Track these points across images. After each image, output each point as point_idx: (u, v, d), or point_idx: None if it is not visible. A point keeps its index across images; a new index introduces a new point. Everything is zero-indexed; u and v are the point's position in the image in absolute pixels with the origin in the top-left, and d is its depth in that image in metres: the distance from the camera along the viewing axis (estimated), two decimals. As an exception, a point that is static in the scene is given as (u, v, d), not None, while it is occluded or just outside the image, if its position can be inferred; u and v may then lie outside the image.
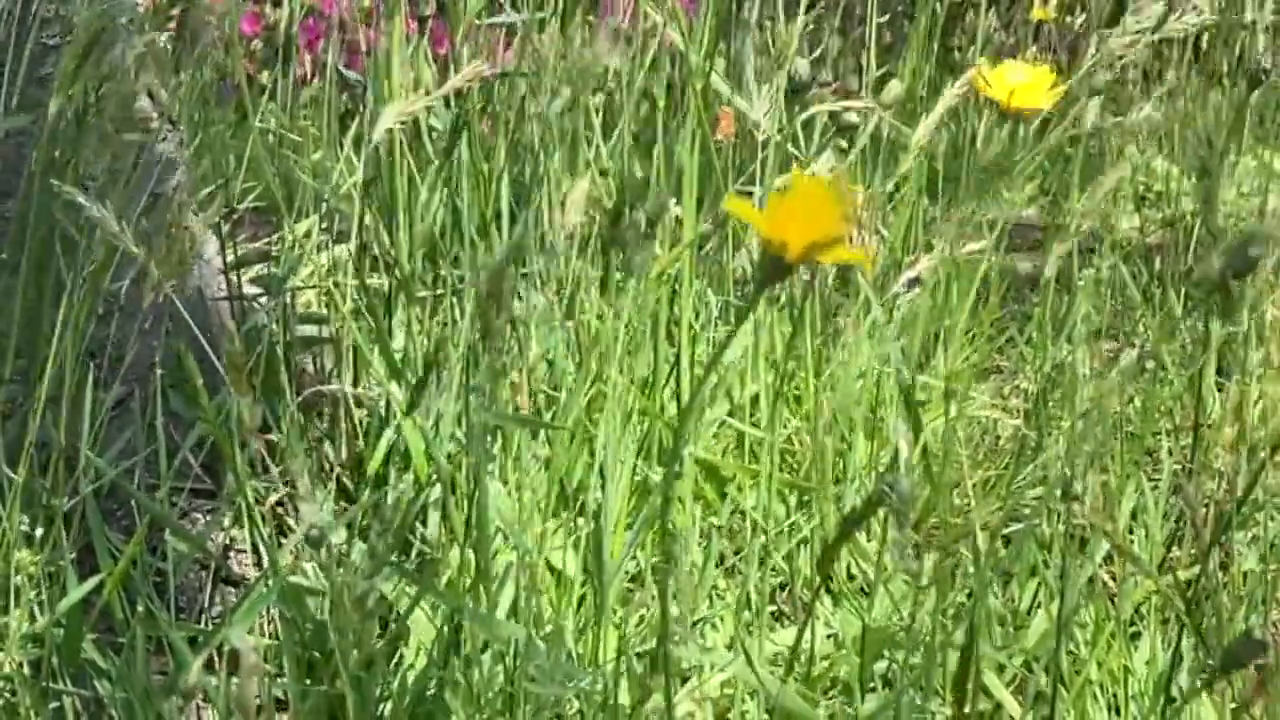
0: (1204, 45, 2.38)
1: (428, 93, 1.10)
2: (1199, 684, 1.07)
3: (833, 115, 1.51)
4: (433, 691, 1.12)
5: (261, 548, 1.30)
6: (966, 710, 1.06)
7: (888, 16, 1.84)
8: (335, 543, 1.01)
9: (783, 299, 1.56)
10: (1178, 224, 2.09)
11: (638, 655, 1.18)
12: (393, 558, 1.21)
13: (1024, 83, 1.14)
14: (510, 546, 1.11)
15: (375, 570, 0.76)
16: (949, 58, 2.36)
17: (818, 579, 1.36)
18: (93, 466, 1.11)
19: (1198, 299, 0.86)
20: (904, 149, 1.50)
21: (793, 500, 1.47)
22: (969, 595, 1.30)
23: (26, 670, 1.02)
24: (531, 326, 1.31)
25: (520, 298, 1.54)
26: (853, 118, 1.48)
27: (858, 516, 0.83)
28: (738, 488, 1.47)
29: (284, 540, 1.36)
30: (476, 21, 1.39)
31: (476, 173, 1.43)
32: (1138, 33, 1.23)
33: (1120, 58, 1.27)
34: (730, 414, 1.52)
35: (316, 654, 1.19)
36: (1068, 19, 2.47)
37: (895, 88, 1.45)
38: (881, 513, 0.84)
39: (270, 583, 1.15)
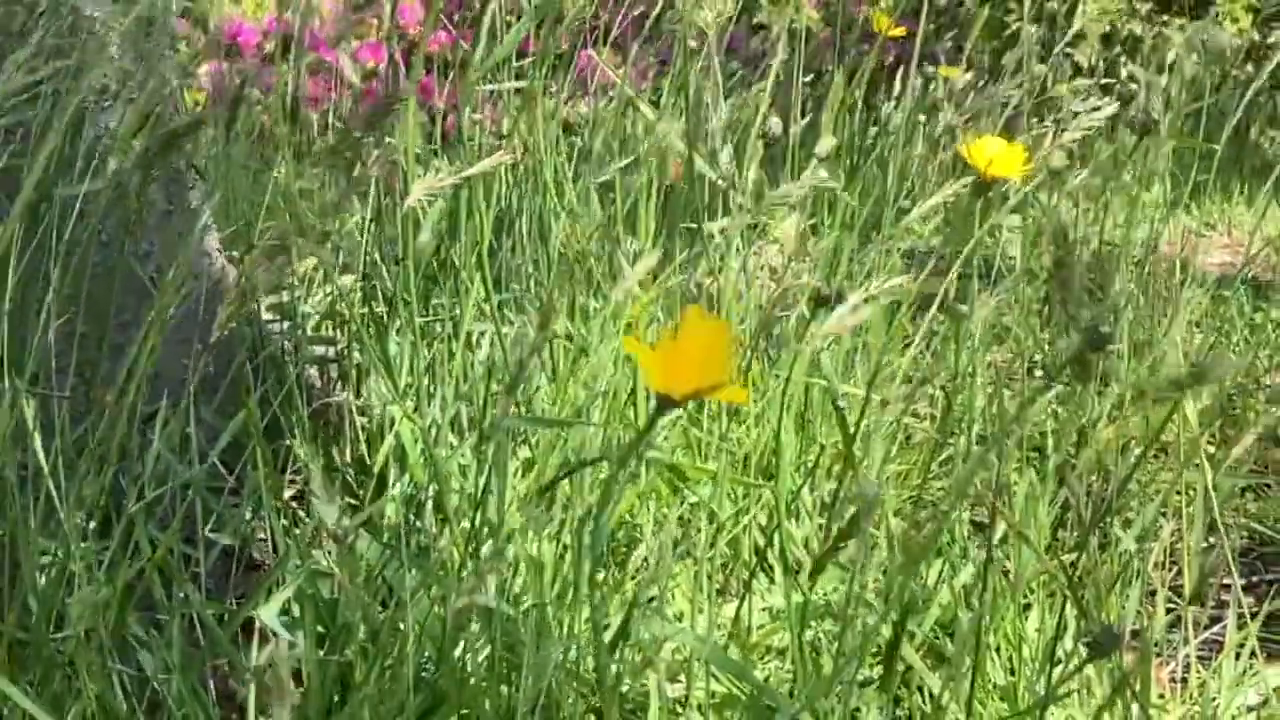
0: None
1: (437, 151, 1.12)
2: (1082, 654, 1.10)
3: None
4: (429, 658, 1.14)
5: (279, 537, 1.32)
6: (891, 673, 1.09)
7: (812, 76, 1.87)
8: (345, 534, 1.03)
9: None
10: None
11: (605, 629, 1.20)
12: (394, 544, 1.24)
13: (1000, 155, 1.16)
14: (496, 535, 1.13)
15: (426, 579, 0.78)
16: (871, 114, 2.39)
17: (755, 562, 1.38)
18: (137, 470, 1.12)
19: (1056, 374, 0.89)
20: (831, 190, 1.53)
21: (737, 492, 1.49)
22: (884, 573, 1.33)
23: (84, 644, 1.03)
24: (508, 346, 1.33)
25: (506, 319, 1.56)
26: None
27: (842, 535, 0.85)
28: (693, 482, 1.50)
29: (298, 530, 1.38)
30: (478, 88, 1.41)
31: (467, 213, 1.45)
32: (1087, 128, 1.26)
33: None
34: (681, 416, 1.55)
35: (327, 628, 1.21)
36: (966, 75, 2.50)
37: (828, 143, 1.47)
38: (816, 508, 0.87)
39: (291, 568, 1.17)
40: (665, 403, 0.74)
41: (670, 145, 1.45)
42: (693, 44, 1.46)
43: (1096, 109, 1.21)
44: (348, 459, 1.51)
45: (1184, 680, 1.28)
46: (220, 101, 1.16)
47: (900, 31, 1.91)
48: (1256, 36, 3.99)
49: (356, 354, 1.52)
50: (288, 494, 1.48)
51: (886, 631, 1.09)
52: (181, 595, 1.13)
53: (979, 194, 1.11)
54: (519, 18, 1.43)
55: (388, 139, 1.48)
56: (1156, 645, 1.32)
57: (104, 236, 1.26)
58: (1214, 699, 1.21)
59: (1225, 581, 1.47)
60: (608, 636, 1.15)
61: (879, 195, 2.08)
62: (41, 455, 1.00)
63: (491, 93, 1.82)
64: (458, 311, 1.49)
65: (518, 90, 1.52)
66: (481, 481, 1.17)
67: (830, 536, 0.93)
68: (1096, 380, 0.80)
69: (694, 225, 1.69)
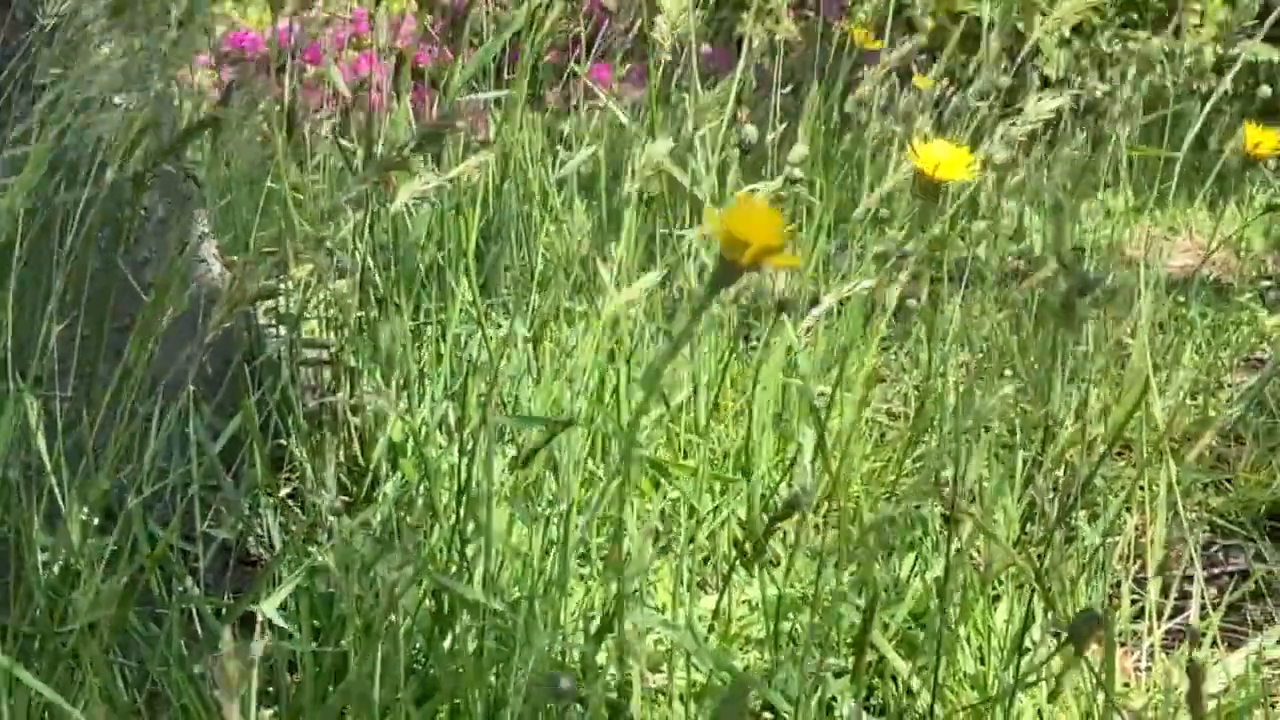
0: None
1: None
2: (1048, 643, 1.10)
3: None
4: (420, 649, 1.15)
5: (275, 531, 1.32)
6: (862, 662, 1.09)
7: (791, 87, 1.87)
8: (340, 529, 1.04)
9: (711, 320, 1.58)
10: (1030, 256, 2.14)
11: (588, 620, 1.21)
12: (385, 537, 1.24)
13: (946, 159, 1.17)
14: (484, 530, 1.13)
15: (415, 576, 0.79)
16: (844, 123, 2.39)
17: (735, 555, 1.39)
18: (139, 469, 1.12)
19: (1048, 314, 0.90)
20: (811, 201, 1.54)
21: (716, 488, 1.50)
22: (859, 566, 1.33)
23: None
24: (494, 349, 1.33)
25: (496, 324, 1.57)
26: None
27: (777, 517, 0.86)
28: (674, 478, 1.50)
29: (294, 526, 1.38)
30: (460, 98, 1.41)
31: (456, 219, 1.46)
32: (1035, 121, 1.27)
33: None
34: (663, 415, 1.55)
35: (323, 621, 1.21)
36: (937, 85, 2.51)
37: (801, 150, 1.47)
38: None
39: (290, 562, 1.17)
40: (727, 271, 0.75)
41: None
42: (667, 56, 1.47)
43: (1042, 102, 1.22)
44: (342, 458, 1.52)
45: (1148, 669, 1.29)
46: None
47: (878, 44, 1.91)
48: (1220, 50, 4.00)
49: (350, 356, 1.52)
50: (283, 492, 1.48)
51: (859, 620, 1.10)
52: (180, 590, 1.14)
53: (928, 196, 1.12)
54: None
55: (378, 149, 1.49)
56: (1121, 635, 1.32)
57: (102, 243, 1.26)
58: (1177, 687, 1.21)
59: (1189, 573, 1.48)
60: (592, 628, 1.15)
61: (854, 200, 2.09)
62: (45, 454, 1.00)
63: (483, 104, 1.83)
64: (446, 314, 1.49)
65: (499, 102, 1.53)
66: (470, 479, 1.17)
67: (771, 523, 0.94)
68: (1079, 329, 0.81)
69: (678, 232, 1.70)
